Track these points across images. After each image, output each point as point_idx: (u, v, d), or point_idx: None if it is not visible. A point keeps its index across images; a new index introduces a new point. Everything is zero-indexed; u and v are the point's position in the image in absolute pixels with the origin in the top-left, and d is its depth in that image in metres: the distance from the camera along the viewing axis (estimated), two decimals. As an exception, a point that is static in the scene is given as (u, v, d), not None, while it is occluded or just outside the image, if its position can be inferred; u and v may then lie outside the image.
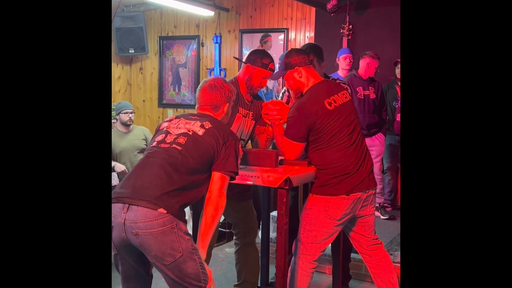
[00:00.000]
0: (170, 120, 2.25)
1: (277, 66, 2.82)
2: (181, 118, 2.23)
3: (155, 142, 2.15)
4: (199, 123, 2.16)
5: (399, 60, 4.67)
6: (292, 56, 2.63)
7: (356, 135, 2.60)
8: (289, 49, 5.32)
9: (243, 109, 2.82)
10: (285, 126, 2.64)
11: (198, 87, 2.35)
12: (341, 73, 4.37)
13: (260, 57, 2.81)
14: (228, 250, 4.14)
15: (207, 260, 2.74)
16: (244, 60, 2.85)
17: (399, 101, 4.67)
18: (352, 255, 3.33)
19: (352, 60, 4.39)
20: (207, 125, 2.16)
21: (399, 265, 3.43)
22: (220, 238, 4.15)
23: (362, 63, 4.40)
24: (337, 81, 3.15)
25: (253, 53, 2.87)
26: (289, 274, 2.66)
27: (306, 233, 2.57)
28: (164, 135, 2.16)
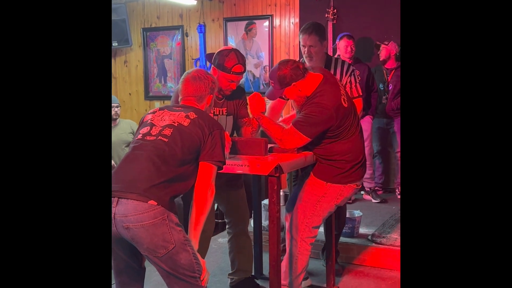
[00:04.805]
0: (154, 112, 2.23)
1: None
2: (165, 109, 2.22)
3: (140, 135, 2.13)
4: (183, 114, 2.15)
5: (379, 42, 4.70)
6: (284, 73, 2.48)
7: (358, 120, 2.64)
8: (274, 42, 5.32)
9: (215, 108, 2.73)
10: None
11: (181, 79, 2.34)
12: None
13: (224, 59, 2.58)
14: (221, 240, 4.13)
15: (205, 252, 2.73)
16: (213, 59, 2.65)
17: (389, 84, 4.67)
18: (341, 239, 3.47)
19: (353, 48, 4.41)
20: (192, 115, 2.14)
21: (391, 247, 3.47)
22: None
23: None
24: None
25: (217, 54, 2.63)
26: (286, 260, 2.67)
27: (314, 218, 2.60)
28: (149, 127, 2.14)
